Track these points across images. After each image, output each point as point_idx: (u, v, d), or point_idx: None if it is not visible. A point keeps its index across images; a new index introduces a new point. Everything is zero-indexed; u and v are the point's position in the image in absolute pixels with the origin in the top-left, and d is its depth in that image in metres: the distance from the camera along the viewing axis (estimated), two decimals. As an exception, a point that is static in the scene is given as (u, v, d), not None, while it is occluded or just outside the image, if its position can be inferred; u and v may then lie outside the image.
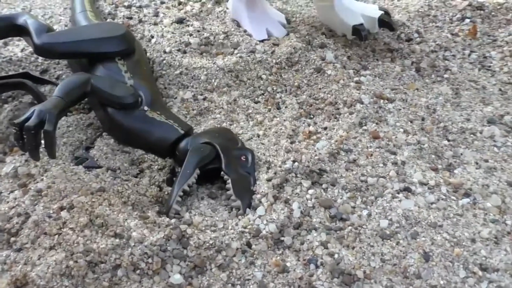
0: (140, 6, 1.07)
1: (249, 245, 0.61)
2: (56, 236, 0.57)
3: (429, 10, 1.04)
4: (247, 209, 0.65)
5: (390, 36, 0.98)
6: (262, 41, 0.93)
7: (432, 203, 0.65)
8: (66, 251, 0.55)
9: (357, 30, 0.88)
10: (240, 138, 0.76)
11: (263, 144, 0.76)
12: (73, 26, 0.99)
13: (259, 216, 0.63)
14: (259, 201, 0.65)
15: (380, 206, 0.65)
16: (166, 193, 0.68)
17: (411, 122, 0.79)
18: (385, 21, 0.91)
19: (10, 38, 0.96)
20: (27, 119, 0.64)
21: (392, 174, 0.69)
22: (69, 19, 1.05)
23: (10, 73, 0.90)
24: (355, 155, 0.72)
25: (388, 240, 0.61)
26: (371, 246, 0.60)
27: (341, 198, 0.66)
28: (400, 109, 0.81)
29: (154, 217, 0.62)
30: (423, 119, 0.80)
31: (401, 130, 0.77)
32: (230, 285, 0.57)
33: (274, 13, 1.00)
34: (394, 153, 0.73)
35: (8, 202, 0.64)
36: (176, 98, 0.85)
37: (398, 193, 0.66)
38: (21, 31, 0.82)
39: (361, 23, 0.88)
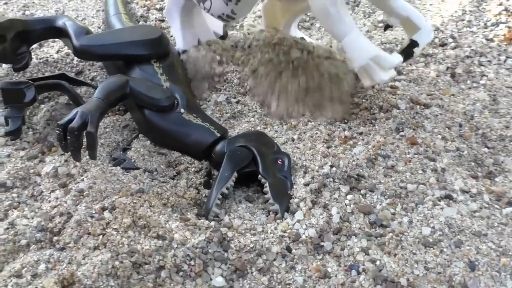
0: (171, 9, 1.07)
1: (289, 249, 0.60)
2: (100, 236, 0.57)
3: (463, 15, 1.03)
4: (285, 213, 0.65)
5: (424, 41, 0.97)
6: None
7: (475, 211, 0.64)
8: (111, 251, 0.55)
9: None
10: (275, 141, 0.76)
11: (298, 148, 0.76)
12: (107, 28, 1.01)
13: (298, 221, 0.63)
14: (297, 206, 0.65)
15: (421, 213, 0.64)
16: (203, 195, 0.69)
17: (448, 128, 0.78)
18: None
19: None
20: (70, 120, 0.65)
21: (432, 181, 0.68)
22: (102, 21, 1.07)
23: (47, 74, 0.91)
24: (393, 161, 0.72)
25: (431, 248, 0.60)
26: (413, 253, 0.59)
27: (380, 204, 0.66)
28: (437, 115, 0.80)
29: (194, 219, 0.63)
30: (460, 125, 0.79)
31: (439, 136, 0.76)
32: (271, 289, 0.57)
33: (212, 22, 0.91)
34: (433, 160, 0.72)
35: (50, 201, 0.65)
36: (209, 101, 0.86)
37: (439, 200, 0.65)
38: (60, 33, 0.84)
39: None
